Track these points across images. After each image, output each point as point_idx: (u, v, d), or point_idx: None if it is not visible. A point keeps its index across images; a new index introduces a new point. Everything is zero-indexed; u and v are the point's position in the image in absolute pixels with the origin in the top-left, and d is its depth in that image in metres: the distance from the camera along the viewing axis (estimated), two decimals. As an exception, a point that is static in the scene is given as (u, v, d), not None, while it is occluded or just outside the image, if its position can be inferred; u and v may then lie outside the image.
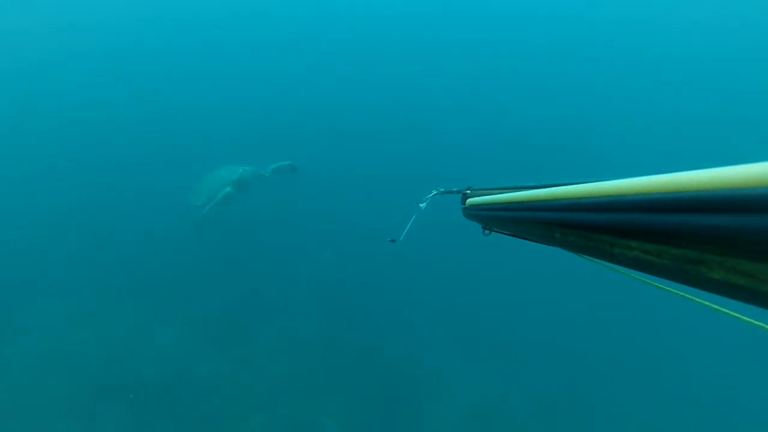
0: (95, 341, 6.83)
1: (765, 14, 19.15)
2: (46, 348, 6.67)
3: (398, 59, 15.06)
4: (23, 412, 5.93)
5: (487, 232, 1.45)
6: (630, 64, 15.66)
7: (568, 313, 7.95)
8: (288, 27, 17.70)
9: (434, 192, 2.11)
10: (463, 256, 8.06)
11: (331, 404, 6.44)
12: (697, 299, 0.66)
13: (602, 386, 7.15)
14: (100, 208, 8.95)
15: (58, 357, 6.58)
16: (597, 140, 11.79)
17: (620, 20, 19.14)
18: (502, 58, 15.67)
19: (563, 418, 6.77)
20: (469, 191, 1.54)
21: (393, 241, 2.34)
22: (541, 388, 7.02)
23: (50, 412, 5.93)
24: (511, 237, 1.23)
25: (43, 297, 7.34)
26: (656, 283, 0.64)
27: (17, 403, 6.01)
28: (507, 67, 15.05)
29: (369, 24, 18.34)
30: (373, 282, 8.07)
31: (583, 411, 6.86)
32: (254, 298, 7.71)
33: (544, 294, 8.16)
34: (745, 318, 0.63)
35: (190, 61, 14.65)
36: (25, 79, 13.04)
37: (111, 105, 11.94)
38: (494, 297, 8.15)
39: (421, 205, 2.14)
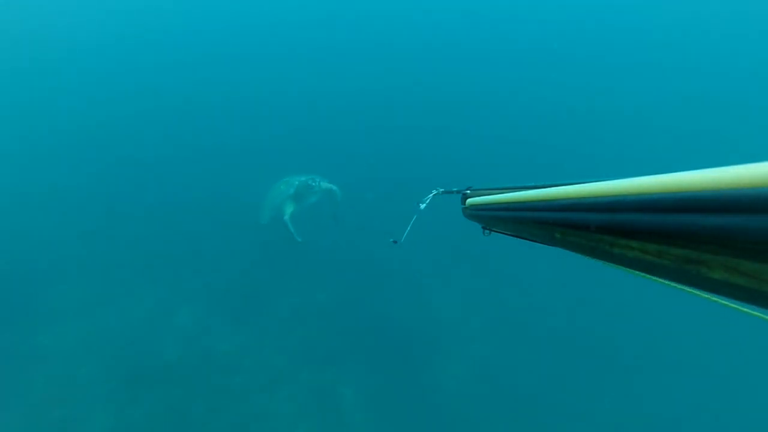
0: (119, 325, 6.99)
1: (765, 14, 19.13)
2: (74, 335, 6.84)
3: (398, 59, 15.04)
4: (60, 399, 6.09)
5: (487, 232, 1.45)
6: (631, 64, 15.64)
7: (583, 279, 7.89)
8: (286, 30, 17.67)
9: (434, 192, 2.10)
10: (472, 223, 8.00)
11: (349, 372, 6.60)
12: (696, 292, 0.65)
13: (613, 356, 7.26)
14: (116, 193, 9.27)
15: (86, 343, 6.75)
16: (597, 140, 11.78)
17: (621, 20, 19.12)
18: (502, 57, 15.66)
19: (574, 382, 6.84)
20: (469, 191, 1.54)
21: (395, 242, 2.34)
22: (553, 354, 7.12)
23: (85, 397, 6.09)
24: (511, 237, 1.23)
25: (66, 283, 7.52)
26: (658, 280, 0.64)
27: (55, 391, 6.17)
28: (507, 66, 15.04)
29: (370, 24, 18.32)
30: (385, 250, 8.08)
31: (596, 377, 6.95)
32: (269, 272, 7.83)
33: (557, 260, 8.13)
34: (745, 309, 0.63)
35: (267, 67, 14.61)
36: (111, 79, 13.69)
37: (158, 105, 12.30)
38: (507, 261, 8.14)
39: (421, 205, 2.13)
